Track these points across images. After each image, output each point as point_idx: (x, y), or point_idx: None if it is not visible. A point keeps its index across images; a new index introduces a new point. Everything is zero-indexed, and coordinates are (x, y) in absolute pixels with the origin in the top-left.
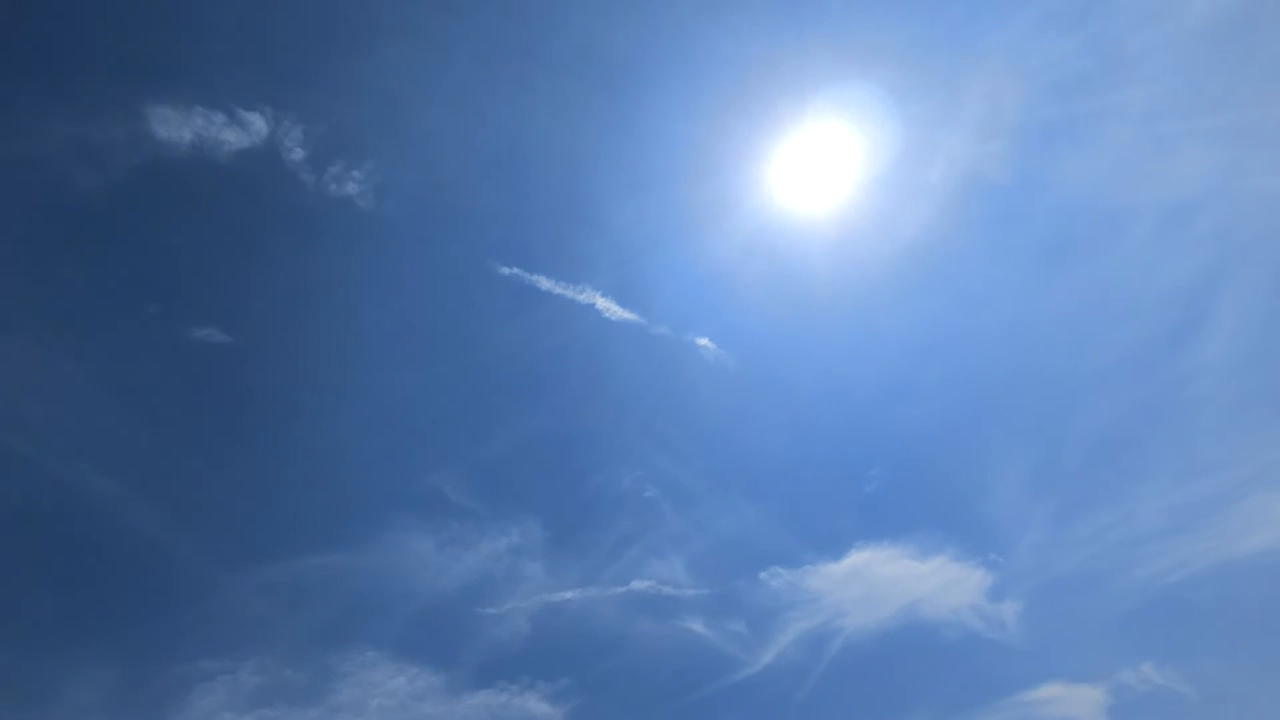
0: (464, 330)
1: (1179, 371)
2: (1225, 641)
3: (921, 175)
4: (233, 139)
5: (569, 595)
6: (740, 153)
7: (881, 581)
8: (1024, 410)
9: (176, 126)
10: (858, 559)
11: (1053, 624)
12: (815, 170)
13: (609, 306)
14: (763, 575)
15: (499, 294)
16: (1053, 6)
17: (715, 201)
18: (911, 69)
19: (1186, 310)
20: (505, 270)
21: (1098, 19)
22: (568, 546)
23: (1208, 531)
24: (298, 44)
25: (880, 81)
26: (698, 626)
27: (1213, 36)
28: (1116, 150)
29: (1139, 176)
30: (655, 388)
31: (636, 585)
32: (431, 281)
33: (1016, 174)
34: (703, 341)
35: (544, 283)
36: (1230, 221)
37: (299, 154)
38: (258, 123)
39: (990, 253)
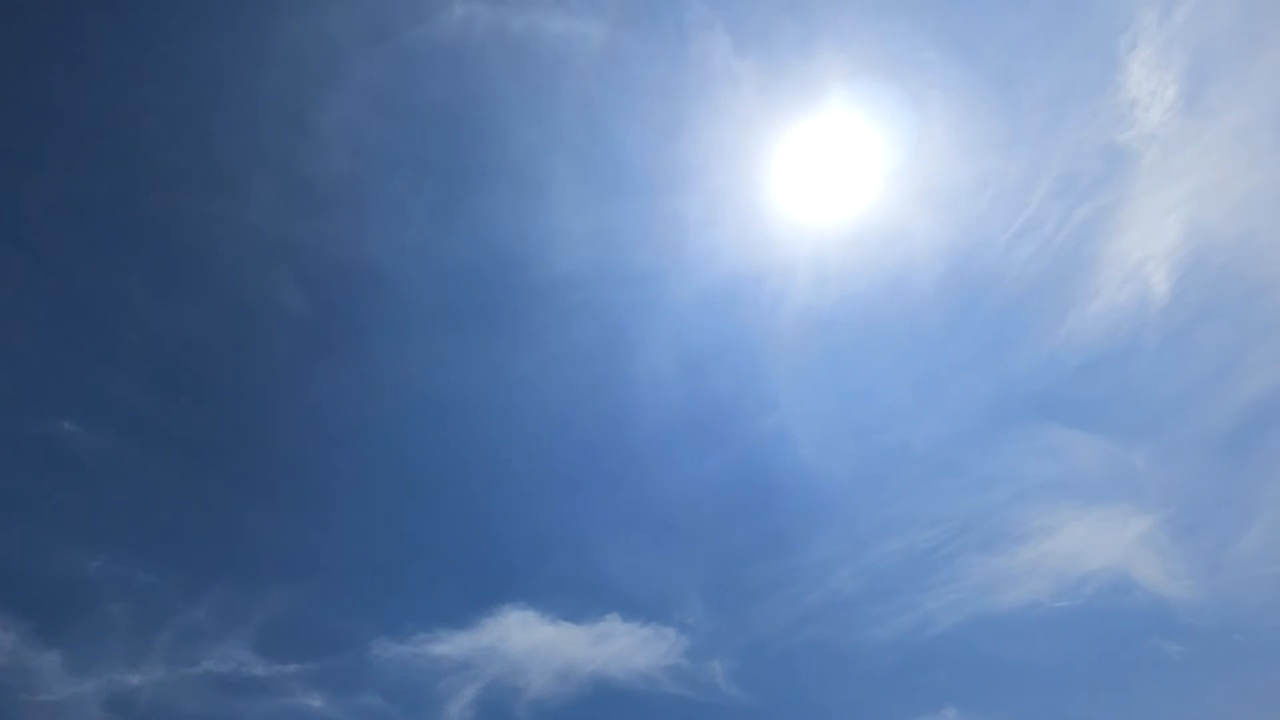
0: None
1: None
2: (1023, 689)
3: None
4: None
5: (135, 680)
6: None
7: (541, 645)
8: (653, 474)
9: None
10: (499, 624)
11: (796, 683)
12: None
13: None
14: (374, 648)
15: None
16: None
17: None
18: None
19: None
20: None
21: None
22: (72, 635)
23: (940, 590)
24: None
25: None
26: (316, 702)
27: None
28: None
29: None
30: (28, 480)
31: (211, 666)
32: None
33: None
34: (69, 426)
35: None
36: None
37: None
38: None
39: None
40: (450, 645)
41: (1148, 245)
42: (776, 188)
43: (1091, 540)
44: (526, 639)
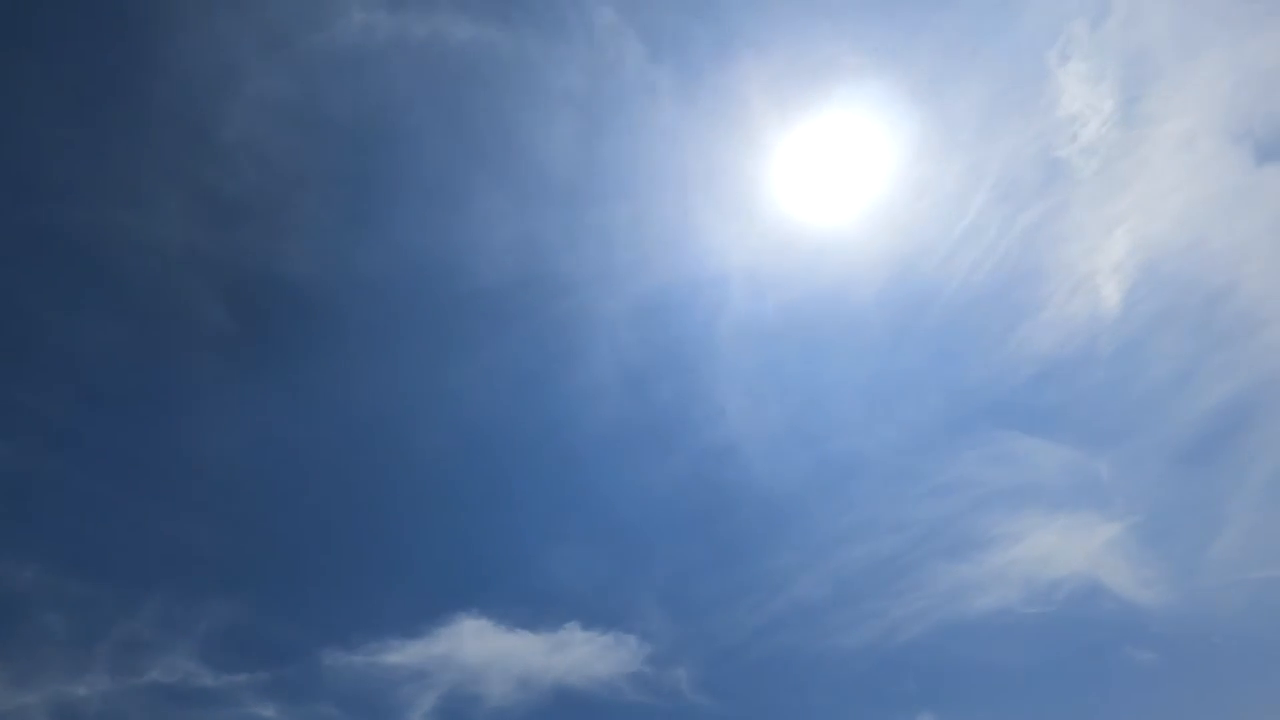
0: None
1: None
2: (997, 696)
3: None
4: None
5: (81, 691)
6: None
7: (499, 654)
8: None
9: None
10: (452, 633)
11: (763, 691)
12: None
13: None
14: (325, 658)
15: None
16: None
17: None
18: None
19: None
20: None
21: None
22: (9, 646)
23: (907, 597)
24: None
25: None
26: (268, 712)
27: None
28: None
29: None
30: None
31: (158, 677)
32: None
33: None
34: None
35: None
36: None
37: None
38: None
39: None
40: (403, 654)
41: (1095, 257)
42: (703, 197)
43: (1058, 547)
44: (483, 648)
